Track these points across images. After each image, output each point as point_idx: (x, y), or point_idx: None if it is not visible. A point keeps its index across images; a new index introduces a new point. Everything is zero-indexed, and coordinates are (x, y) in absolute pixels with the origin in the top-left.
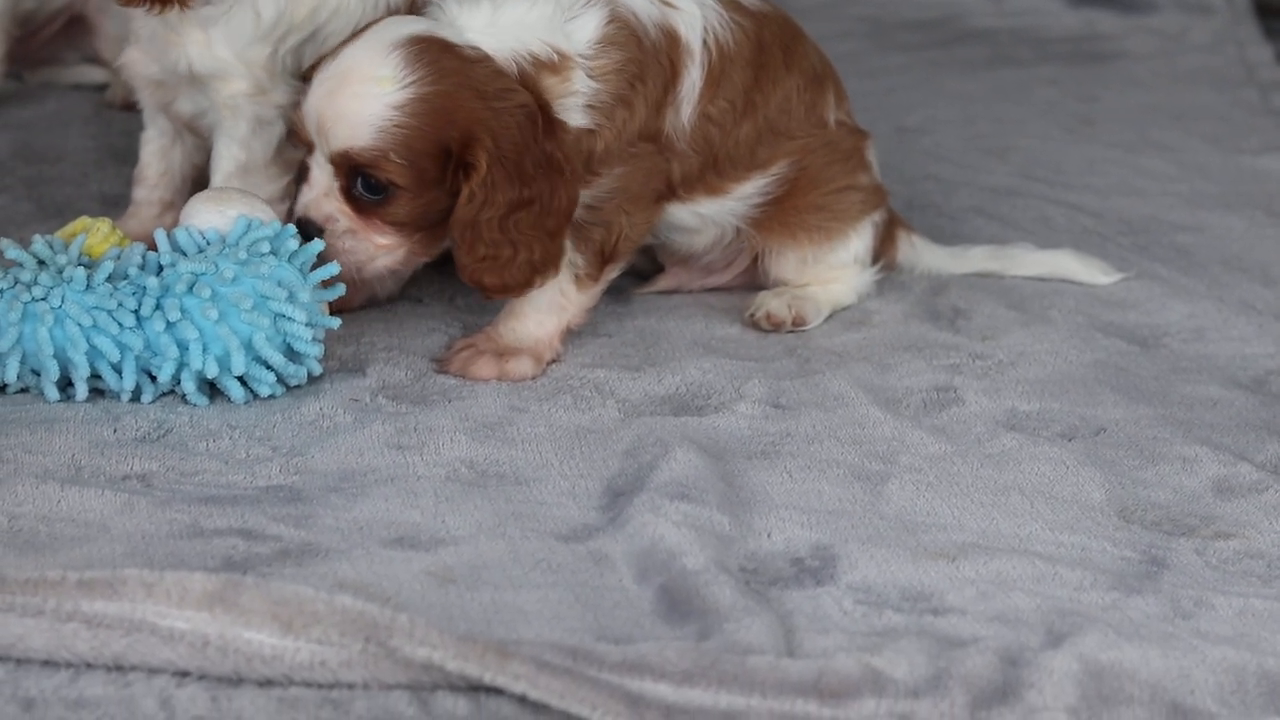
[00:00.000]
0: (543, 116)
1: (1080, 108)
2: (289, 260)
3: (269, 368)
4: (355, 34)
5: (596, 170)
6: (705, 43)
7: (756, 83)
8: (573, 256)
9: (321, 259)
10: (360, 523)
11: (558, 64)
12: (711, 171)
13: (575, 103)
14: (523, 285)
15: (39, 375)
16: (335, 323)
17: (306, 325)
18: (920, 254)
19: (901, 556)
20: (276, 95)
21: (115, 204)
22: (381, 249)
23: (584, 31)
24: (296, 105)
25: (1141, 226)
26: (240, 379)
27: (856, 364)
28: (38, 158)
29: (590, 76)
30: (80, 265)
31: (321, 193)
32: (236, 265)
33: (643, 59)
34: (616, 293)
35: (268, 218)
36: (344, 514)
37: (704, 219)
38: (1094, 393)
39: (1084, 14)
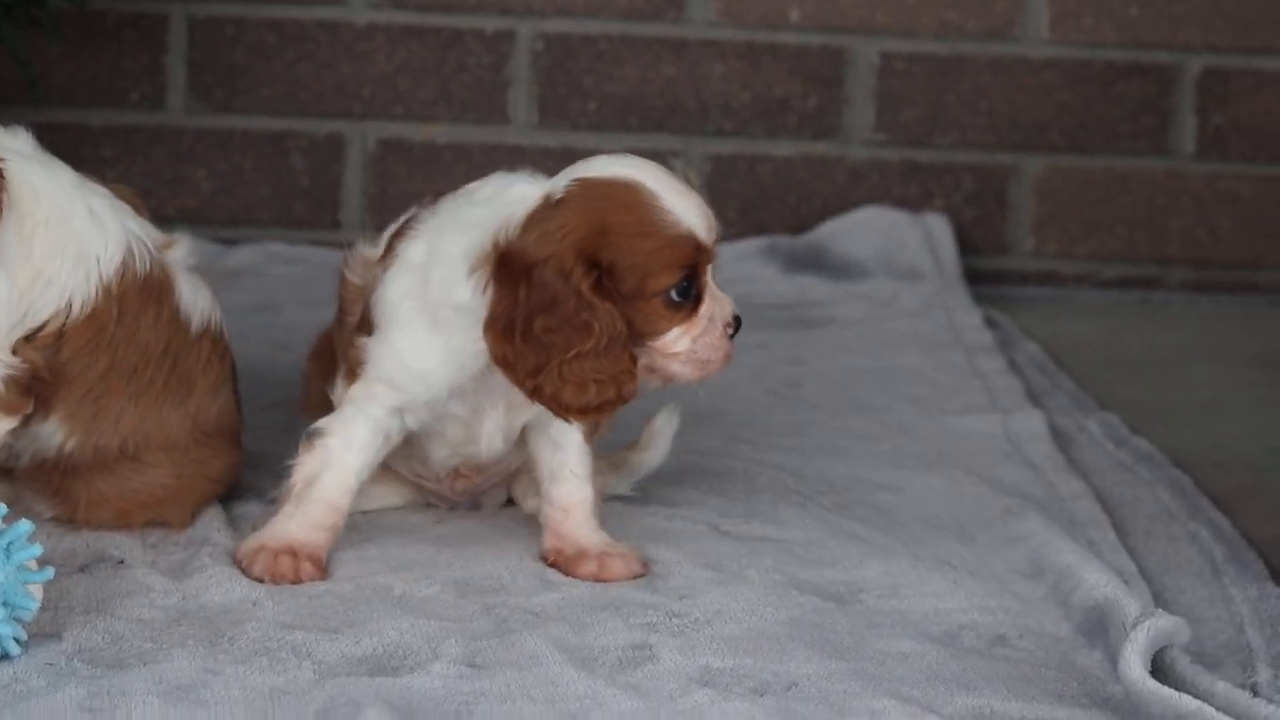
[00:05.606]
0: None
1: (789, 371)
2: None
3: None
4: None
5: None
6: None
7: None
8: None
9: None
10: None
11: None
12: None
13: None
14: None
15: None
16: (35, 604)
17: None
18: None
19: None
20: None
21: None
22: None
23: None
24: None
25: (844, 486)
26: None
27: (554, 623)
28: None
29: None
30: None
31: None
32: None
33: None
34: None
35: None
36: None
37: None
38: (787, 649)
39: (796, 281)
